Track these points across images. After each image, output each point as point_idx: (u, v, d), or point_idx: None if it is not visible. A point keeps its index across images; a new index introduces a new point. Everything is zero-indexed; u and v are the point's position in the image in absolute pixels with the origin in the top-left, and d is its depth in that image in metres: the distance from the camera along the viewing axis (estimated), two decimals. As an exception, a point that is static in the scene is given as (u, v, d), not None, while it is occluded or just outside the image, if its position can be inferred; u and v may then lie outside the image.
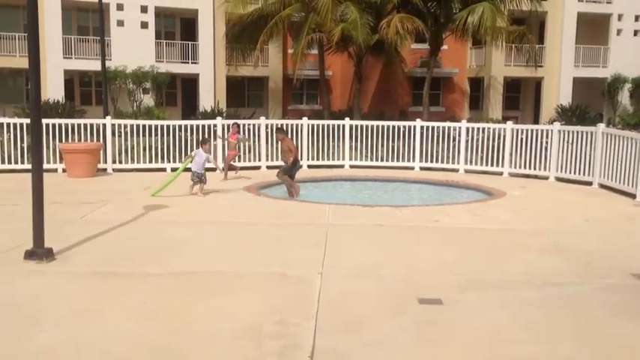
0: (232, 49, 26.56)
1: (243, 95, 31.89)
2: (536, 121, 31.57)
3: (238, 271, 5.98)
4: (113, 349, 4.13)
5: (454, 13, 23.51)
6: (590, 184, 12.10)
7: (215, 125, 14.11)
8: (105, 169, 13.47)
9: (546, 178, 13.07)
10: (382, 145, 14.92)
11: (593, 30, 32.57)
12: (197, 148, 11.66)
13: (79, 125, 13.86)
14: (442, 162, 14.58)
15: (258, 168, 14.09)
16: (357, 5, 22.45)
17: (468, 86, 33.38)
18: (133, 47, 27.66)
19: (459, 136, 14.46)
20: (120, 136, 13.92)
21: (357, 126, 15.19)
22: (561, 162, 12.83)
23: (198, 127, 14.14)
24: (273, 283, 5.57)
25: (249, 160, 14.24)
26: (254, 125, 14.60)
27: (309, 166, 14.52)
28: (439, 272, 6.03)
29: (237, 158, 13.22)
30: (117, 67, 27.09)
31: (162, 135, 14.05)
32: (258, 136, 14.42)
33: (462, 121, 15.39)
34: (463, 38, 25.47)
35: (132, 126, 14.18)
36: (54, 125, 13.55)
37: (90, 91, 29.76)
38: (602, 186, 11.80)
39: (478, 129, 14.63)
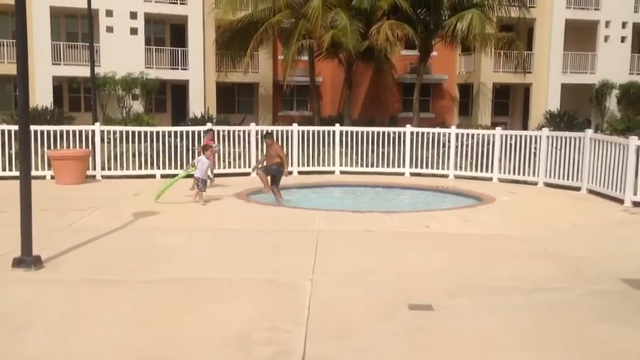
0: (222, 55, 26.53)
1: (234, 101, 31.85)
2: (525, 127, 31.74)
3: (229, 277, 5.96)
4: (102, 356, 4.10)
5: (443, 19, 23.61)
6: (578, 189, 12.18)
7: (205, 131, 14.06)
8: (94, 176, 13.39)
9: (535, 183, 13.14)
10: (372, 151, 14.94)
11: (581, 37, 32.84)
12: (198, 155, 11.49)
13: (67, 132, 13.79)
14: (432, 168, 14.62)
15: (247, 174, 14.06)
16: (347, 12, 22.51)
17: (458, 92, 33.53)
18: (122, 53, 27.57)
19: (449, 142, 14.52)
20: (109, 142, 13.86)
21: (347, 132, 15.22)
22: (550, 167, 12.91)
23: (188, 133, 14.10)
24: (264, 289, 5.55)
25: (239, 167, 14.21)
26: (244, 131, 14.58)
27: (300, 172, 14.52)
28: (429, 278, 6.04)
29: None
30: (106, 74, 26.98)
31: (151, 141, 13.99)
32: (249, 142, 14.40)
33: (452, 127, 15.46)
34: (452, 45, 25.60)
35: (121, 132, 14.12)
36: (42, 132, 13.47)
37: (79, 97, 29.61)
38: (591, 191, 11.88)
39: (468, 135, 14.69)
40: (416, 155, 14.75)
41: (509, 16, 24.79)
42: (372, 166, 14.88)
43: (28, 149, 6.47)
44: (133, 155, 13.85)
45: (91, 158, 13.34)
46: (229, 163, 14.08)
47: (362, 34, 22.48)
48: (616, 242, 7.98)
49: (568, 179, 12.48)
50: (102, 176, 13.49)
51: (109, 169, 13.68)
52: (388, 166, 14.83)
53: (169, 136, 14.11)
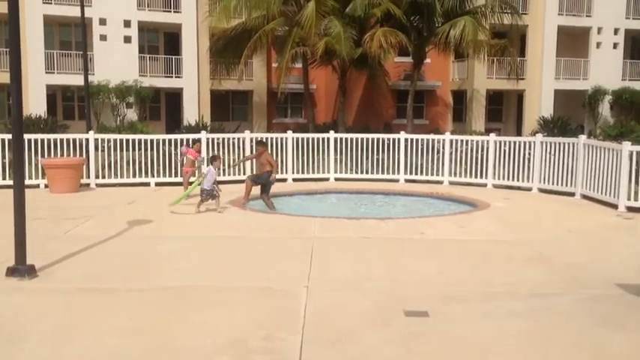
0: (216, 63, 26.56)
1: (228, 109, 31.86)
2: (518, 133, 31.84)
3: (223, 285, 5.94)
4: (97, 366, 4.07)
5: (436, 27, 23.71)
6: (572, 194, 12.21)
7: (200, 139, 14.04)
8: (88, 184, 13.35)
9: (529, 189, 13.17)
10: (367, 158, 14.95)
11: (574, 43, 33.04)
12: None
13: (61, 140, 13.75)
14: (427, 174, 14.64)
15: (242, 182, 14.01)
16: (341, 19, 22.58)
17: (451, 99, 33.65)
18: (116, 62, 27.58)
19: (443, 148, 14.54)
20: (103, 150, 13.83)
21: (341, 139, 15.22)
22: (544, 173, 12.95)
23: (182, 141, 14.08)
24: (259, 297, 5.54)
25: (234, 174, 14.19)
26: (239, 139, 14.57)
27: (295, 180, 14.52)
28: (425, 284, 6.04)
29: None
30: (100, 82, 26.97)
31: (145, 149, 13.97)
32: (243, 149, 14.39)
33: (446, 134, 15.48)
34: (446, 52, 25.70)
35: (115, 140, 14.09)
36: (36, 140, 13.43)
37: (72, 105, 29.58)
38: (585, 197, 11.91)
39: (462, 141, 14.73)
40: (410, 162, 14.77)
41: (502, 23, 24.93)
42: (367, 172, 14.89)
43: (22, 158, 6.44)
44: (128, 163, 13.82)
45: (85, 166, 13.31)
46: (223, 170, 14.05)
47: (355, 41, 22.56)
48: (611, 247, 8.00)
49: (562, 185, 12.52)
50: (96, 184, 13.46)
51: (104, 177, 13.64)
52: (383, 172, 14.84)
53: (164, 144, 14.09)
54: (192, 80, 29.40)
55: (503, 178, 13.70)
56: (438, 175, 14.52)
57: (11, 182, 6.44)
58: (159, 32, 30.70)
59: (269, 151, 12.53)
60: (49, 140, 13.60)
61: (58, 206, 10.72)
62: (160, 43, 30.93)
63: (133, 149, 13.93)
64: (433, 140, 14.96)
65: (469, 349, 4.42)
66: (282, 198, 12.26)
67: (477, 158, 14.14)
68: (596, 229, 9.22)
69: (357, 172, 14.95)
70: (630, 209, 10.57)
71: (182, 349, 4.34)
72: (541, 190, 12.97)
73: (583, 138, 12.34)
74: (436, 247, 7.81)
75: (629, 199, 10.67)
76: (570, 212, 10.74)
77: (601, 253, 7.59)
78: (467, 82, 32.36)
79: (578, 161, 12.02)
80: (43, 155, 13.31)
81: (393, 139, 15.03)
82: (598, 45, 32.84)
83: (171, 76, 29.50)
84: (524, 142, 13.63)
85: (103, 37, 27.92)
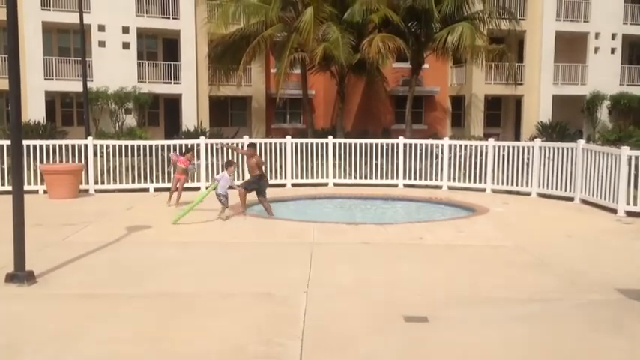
0: (215, 69, 26.59)
1: (227, 114, 31.88)
2: (517, 138, 31.85)
3: (223, 291, 5.93)
4: (96, 372, 4.06)
5: (434, 32, 23.76)
6: (571, 199, 12.22)
7: (199, 144, 14.06)
8: (87, 190, 13.34)
9: (528, 194, 13.17)
10: (366, 163, 14.95)
11: (571, 48, 33.11)
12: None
13: (60, 146, 13.75)
14: (425, 179, 14.63)
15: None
16: (339, 25, 22.62)
17: (450, 104, 33.68)
18: (114, 68, 27.59)
19: (442, 153, 14.55)
20: (102, 156, 13.83)
21: (340, 144, 15.23)
22: (543, 178, 12.95)
23: (181, 146, 14.07)
24: (259, 302, 5.53)
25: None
26: (237, 144, 14.55)
27: (293, 185, 14.52)
28: (424, 289, 6.03)
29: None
30: (99, 88, 26.97)
31: (144, 155, 13.97)
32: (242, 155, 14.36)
33: (445, 139, 15.50)
34: (444, 57, 25.74)
35: (114, 146, 14.09)
36: (35, 146, 13.42)
37: (71, 111, 29.58)
38: (584, 201, 11.92)
39: (460, 146, 14.74)
40: (409, 167, 14.77)
41: (500, 28, 24.99)
42: (366, 178, 14.88)
43: (21, 164, 6.45)
44: (126, 169, 13.82)
45: (84, 172, 13.30)
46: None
47: (354, 47, 22.60)
48: (610, 252, 8.00)
49: (561, 190, 12.53)
50: (95, 190, 13.44)
51: (102, 183, 13.63)
52: (382, 177, 14.83)
53: (162, 149, 14.08)
54: (191, 86, 29.42)
55: (502, 183, 13.70)
56: (436, 180, 14.52)
57: (10, 188, 6.43)
58: (157, 38, 30.73)
59: (260, 157, 12.53)
60: (47, 146, 13.61)
61: (57, 212, 10.71)
62: (159, 49, 30.96)
63: (132, 155, 13.93)
64: (432, 145, 14.98)
65: (469, 355, 4.42)
66: (281, 203, 12.25)
67: (475, 163, 14.15)
68: (595, 234, 9.22)
69: (355, 178, 14.95)
70: (629, 214, 10.57)
71: (182, 355, 4.33)
72: (540, 195, 12.97)
73: (582, 143, 12.35)
74: (435, 252, 7.80)
75: (628, 203, 10.67)
76: (569, 217, 10.75)
77: (600, 258, 7.59)
78: (465, 88, 32.41)
79: (577, 166, 12.03)
80: (42, 161, 13.30)
81: (392, 145, 15.04)
82: (596, 50, 32.92)
83: (170, 82, 29.52)
84: (523, 147, 13.63)
85: (102, 44, 27.95)
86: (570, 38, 32.72)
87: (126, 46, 28.30)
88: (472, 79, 31.56)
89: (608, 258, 7.61)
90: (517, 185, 13.44)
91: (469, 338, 4.71)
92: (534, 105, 32.46)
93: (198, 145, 14.04)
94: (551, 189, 12.73)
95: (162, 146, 14.20)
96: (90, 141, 13.89)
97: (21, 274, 6.01)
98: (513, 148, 13.71)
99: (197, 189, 13.56)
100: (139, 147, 14.06)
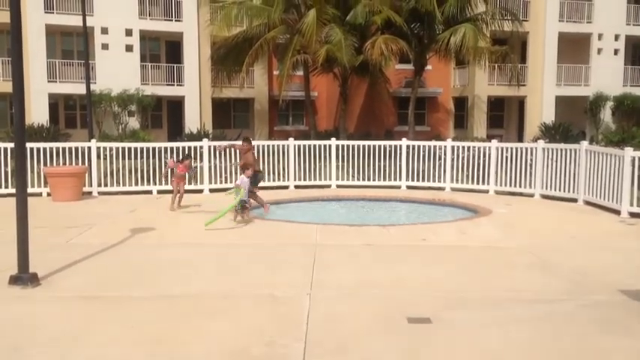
0: (218, 71, 26.61)
1: (229, 116, 31.90)
2: (520, 140, 31.83)
3: (226, 292, 5.93)
4: (100, 374, 4.06)
5: (437, 34, 23.75)
6: (575, 200, 12.19)
7: (201, 147, 14.08)
8: (90, 193, 13.37)
9: (532, 195, 13.15)
10: (369, 165, 14.96)
11: (574, 49, 33.06)
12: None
13: (63, 149, 13.78)
14: (428, 180, 14.63)
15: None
16: (342, 27, 22.63)
17: (453, 105, 33.66)
18: (117, 70, 27.64)
19: (445, 154, 14.54)
20: (105, 159, 13.85)
21: (343, 146, 15.24)
22: (546, 179, 12.93)
23: (184, 149, 14.10)
24: (262, 304, 5.53)
25: (234, 182, 14.16)
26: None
27: (296, 187, 14.52)
28: (427, 291, 6.02)
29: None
30: (102, 90, 27.02)
31: (147, 157, 13.99)
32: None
33: (448, 140, 15.50)
34: (446, 58, 25.73)
35: (117, 149, 14.11)
36: (38, 149, 13.45)
37: (75, 114, 29.63)
38: (587, 202, 11.89)
39: (463, 147, 14.73)
40: (412, 168, 14.77)
41: (503, 29, 24.97)
42: (369, 179, 14.88)
43: (24, 166, 6.46)
44: (130, 171, 13.84)
45: (87, 175, 13.33)
46: (225, 178, 14.07)
47: (356, 48, 22.61)
48: (614, 253, 7.98)
49: (564, 191, 12.51)
50: (98, 193, 13.47)
51: (106, 185, 13.65)
52: (384, 179, 14.83)
53: (165, 151, 14.10)
54: (194, 88, 29.47)
55: (506, 185, 13.69)
56: (439, 181, 14.51)
57: (14, 190, 6.44)
58: (160, 41, 30.79)
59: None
60: (51, 149, 13.63)
61: (60, 214, 10.73)
62: (162, 51, 31.02)
63: (135, 157, 13.95)
64: (435, 147, 14.97)
65: (473, 356, 4.41)
66: (284, 205, 12.27)
67: (478, 164, 14.14)
68: (599, 235, 9.20)
69: (358, 179, 14.95)
70: (633, 215, 10.55)
71: (185, 357, 4.33)
72: (543, 197, 12.95)
73: (585, 144, 12.33)
74: (438, 253, 7.79)
75: (631, 204, 10.65)
76: (573, 218, 10.73)
77: (604, 259, 7.57)
78: (468, 89, 32.38)
79: (581, 167, 12.01)
80: (45, 164, 13.33)
81: (395, 146, 15.04)
82: (599, 51, 32.88)
83: (173, 84, 29.56)
84: (526, 149, 13.62)
85: (105, 46, 28.00)
86: (573, 39, 32.68)
87: (129, 48, 28.35)
88: (475, 81, 31.54)
89: (611, 259, 7.59)
90: (520, 186, 13.42)
91: (473, 340, 4.70)
92: (537, 106, 32.42)
93: (201, 148, 14.07)
94: (555, 190, 12.71)
95: (166, 148, 14.21)
96: (93, 143, 13.92)
97: (25, 277, 6.02)
98: (516, 149, 13.69)
99: (200, 191, 13.60)
100: (142, 149, 14.08)
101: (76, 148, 13.87)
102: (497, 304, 5.60)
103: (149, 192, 13.63)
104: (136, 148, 14.12)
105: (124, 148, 14.09)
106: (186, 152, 13.34)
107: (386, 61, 23.12)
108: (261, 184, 13.52)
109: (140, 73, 28.60)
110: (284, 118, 32.29)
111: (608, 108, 32.75)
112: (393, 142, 15.38)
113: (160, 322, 5.05)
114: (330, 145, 15.07)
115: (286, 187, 14.38)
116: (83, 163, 13.63)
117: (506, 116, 34.78)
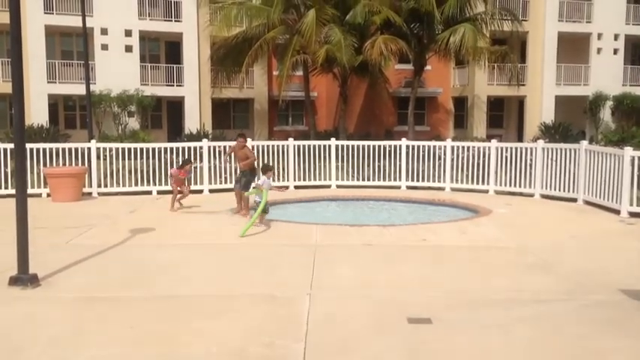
0: (217, 71, 26.62)
1: (229, 117, 31.90)
2: (520, 139, 31.83)
3: (226, 293, 5.93)
4: (100, 375, 4.06)
5: (436, 34, 23.74)
6: (574, 200, 12.19)
7: (201, 147, 14.08)
8: (90, 193, 13.36)
9: (531, 195, 13.15)
10: (368, 165, 14.95)
11: (574, 49, 33.06)
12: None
13: (63, 149, 13.76)
14: (428, 180, 14.62)
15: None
16: (341, 27, 22.62)
17: (452, 105, 33.65)
18: (117, 71, 27.64)
19: (445, 154, 14.54)
20: (105, 159, 13.84)
21: (343, 146, 15.23)
22: (546, 179, 12.93)
23: (184, 149, 14.10)
24: (262, 304, 5.53)
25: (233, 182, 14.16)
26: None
27: (296, 187, 14.51)
28: (428, 291, 6.02)
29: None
30: (101, 91, 27.02)
31: (147, 158, 13.98)
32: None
33: (447, 140, 15.49)
34: (446, 58, 25.72)
35: (117, 149, 14.10)
36: (38, 150, 13.44)
37: (74, 115, 29.64)
38: (587, 202, 11.89)
39: (463, 147, 14.72)
40: (412, 168, 14.76)
41: (502, 29, 24.96)
42: (369, 179, 14.88)
43: (24, 167, 6.45)
44: (129, 172, 13.83)
45: (87, 175, 13.32)
46: (225, 178, 14.07)
47: (356, 48, 22.60)
48: (614, 252, 7.99)
49: (564, 191, 12.51)
50: (98, 193, 13.46)
51: (105, 186, 13.64)
52: (384, 179, 14.83)
53: (165, 152, 14.10)
54: (194, 89, 29.47)
55: (505, 184, 13.68)
56: (439, 181, 14.50)
57: (13, 191, 6.43)
58: (160, 41, 30.78)
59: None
60: (51, 149, 13.62)
61: (60, 215, 10.73)
62: (161, 52, 31.01)
63: (135, 158, 13.95)
64: (434, 147, 14.95)
65: (473, 356, 4.41)
66: (283, 205, 12.26)
67: (478, 164, 14.13)
68: (599, 235, 9.20)
69: (358, 179, 14.95)
70: (633, 215, 10.55)
71: (185, 357, 4.33)
72: (543, 196, 12.95)
73: (585, 144, 12.34)
74: (438, 253, 7.79)
75: (631, 204, 10.65)
76: (573, 218, 10.73)
77: (604, 259, 7.57)
78: (468, 89, 32.38)
79: (580, 167, 12.01)
80: (45, 164, 13.32)
81: (395, 146, 15.03)
82: (598, 51, 32.87)
83: (173, 85, 29.56)
84: (526, 148, 13.62)
85: (105, 47, 27.99)
86: (573, 39, 32.68)
87: (128, 49, 28.34)
88: (474, 81, 31.53)
89: (611, 259, 7.59)
90: (520, 186, 13.42)
91: (473, 340, 4.70)
92: (537, 106, 32.42)
93: (200, 148, 14.07)
94: (555, 190, 12.71)
95: (165, 149, 14.21)
96: (93, 144, 13.91)
97: (24, 277, 6.03)
98: (516, 149, 13.69)
99: (200, 192, 13.59)
100: (141, 150, 14.08)
101: (76, 149, 13.86)
102: (497, 304, 5.60)
103: (149, 192, 13.63)
104: (135, 149, 14.12)
105: (123, 149, 14.08)
106: (187, 157, 13.34)
107: (385, 61, 23.12)
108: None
109: (140, 73, 28.59)
110: (284, 119, 32.29)
111: (608, 107, 32.75)
112: (392, 142, 15.37)
113: (159, 322, 5.05)
114: (329, 145, 15.07)
115: (286, 188, 14.36)
116: (83, 163, 13.62)
117: (505, 116, 34.78)
